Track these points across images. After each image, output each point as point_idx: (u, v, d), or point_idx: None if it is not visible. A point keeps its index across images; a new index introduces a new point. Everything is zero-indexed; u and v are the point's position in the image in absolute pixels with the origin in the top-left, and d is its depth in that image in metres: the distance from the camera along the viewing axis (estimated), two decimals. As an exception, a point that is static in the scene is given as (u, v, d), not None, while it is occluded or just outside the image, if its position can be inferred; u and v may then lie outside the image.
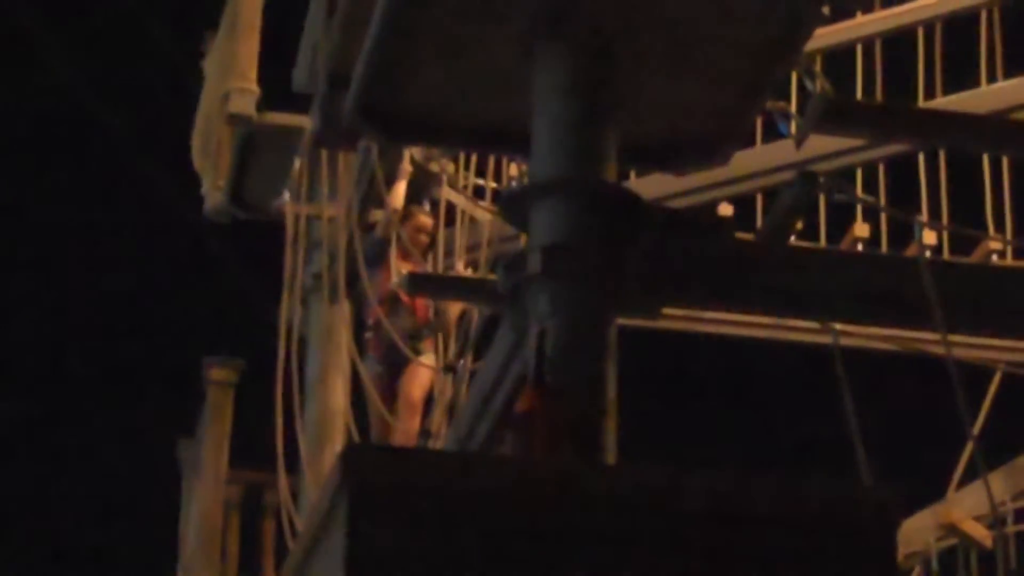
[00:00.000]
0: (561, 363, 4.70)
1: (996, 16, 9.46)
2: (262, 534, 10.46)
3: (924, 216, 9.17)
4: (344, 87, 5.28)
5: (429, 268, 9.58)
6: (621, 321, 5.04)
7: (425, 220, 9.66)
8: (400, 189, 9.50)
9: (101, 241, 19.10)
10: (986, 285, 5.85)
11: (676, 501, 4.04)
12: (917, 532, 9.85)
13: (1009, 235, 9.21)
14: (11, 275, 19.21)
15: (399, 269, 9.32)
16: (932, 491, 10.00)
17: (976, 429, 9.01)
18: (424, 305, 9.38)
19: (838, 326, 5.78)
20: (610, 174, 4.98)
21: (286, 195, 10.14)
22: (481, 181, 9.88)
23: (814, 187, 5.44)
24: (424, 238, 9.66)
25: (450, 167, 9.73)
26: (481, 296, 6.19)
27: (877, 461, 5.33)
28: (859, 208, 9.13)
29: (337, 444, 9.14)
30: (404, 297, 9.24)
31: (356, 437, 9.22)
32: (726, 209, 9.08)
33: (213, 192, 10.59)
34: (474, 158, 9.80)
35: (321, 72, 5.48)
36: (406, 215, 9.55)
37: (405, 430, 9.18)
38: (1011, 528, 9.92)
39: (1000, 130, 7.82)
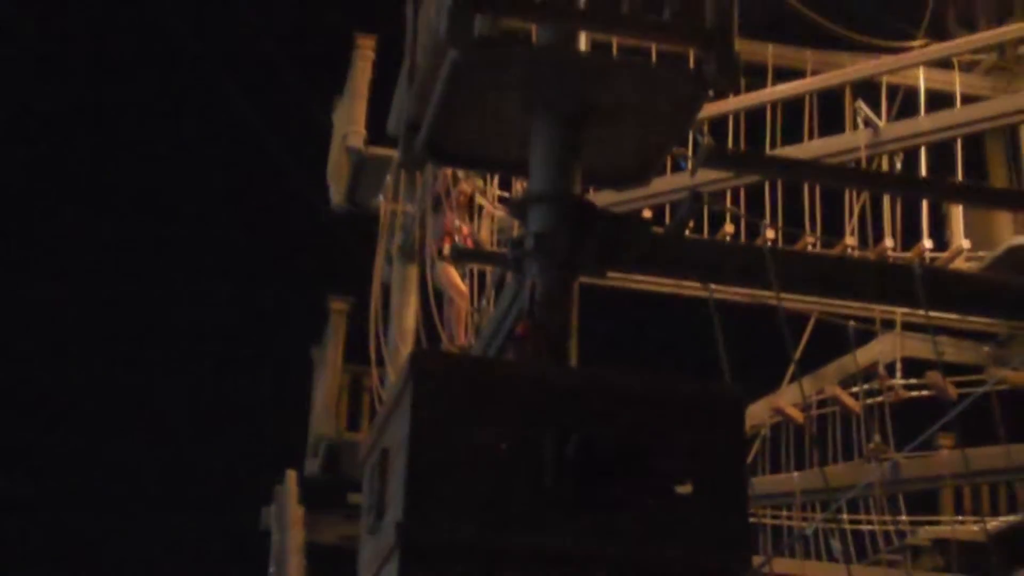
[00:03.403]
0: (544, 305, 4.70)
1: (815, 98, 9.43)
2: (362, 404, 10.49)
3: (768, 220, 9.15)
4: (417, 132, 5.26)
5: (464, 219, 9.33)
6: (582, 280, 5.04)
7: (465, 187, 9.40)
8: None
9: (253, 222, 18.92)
10: (803, 261, 5.87)
11: (610, 389, 4.04)
12: (758, 412, 9.87)
13: (818, 234, 9.20)
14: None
15: (452, 219, 9.14)
16: (769, 388, 10.02)
17: (797, 353, 9.01)
18: (470, 240, 9.18)
19: (713, 286, 5.75)
20: (577, 189, 4.95)
21: (381, 198, 10.13)
22: (500, 192, 9.83)
23: (700, 201, 5.43)
24: (463, 198, 9.41)
25: (480, 182, 9.68)
26: (497, 262, 6.18)
27: (738, 372, 5.25)
28: (727, 215, 9.12)
29: (407, 349, 9.14)
30: (457, 236, 9.05)
31: (424, 344, 9.19)
32: (647, 213, 9.05)
33: (336, 195, 10.60)
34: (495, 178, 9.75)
35: (403, 123, 5.46)
36: (456, 182, 9.33)
37: (459, 307, 8.93)
38: (814, 412, 9.96)
39: (816, 169, 7.84)
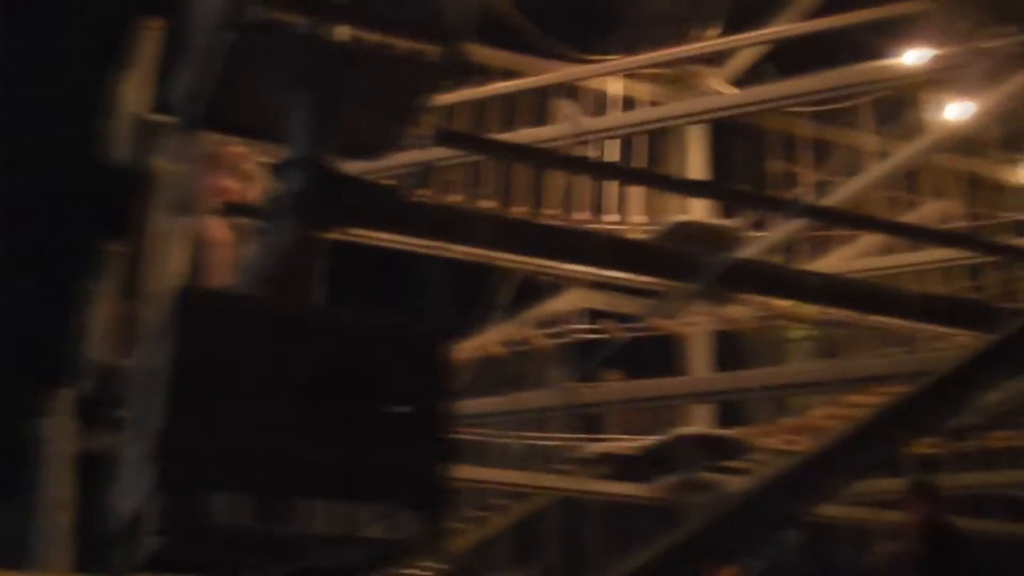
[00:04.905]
0: (295, 254, 4.65)
1: (530, 95, 9.56)
2: (133, 334, 9.98)
3: (487, 192, 9.23)
4: (194, 102, 5.08)
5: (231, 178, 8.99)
6: (328, 236, 4.99)
7: (236, 148, 8.98)
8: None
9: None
10: (512, 227, 5.96)
11: (347, 326, 4.04)
12: (468, 349, 10.00)
13: (527, 205, 9.35)
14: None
15: (221, 177, 8.74)
16: (479, 328, 10.14)
17: (504, 301, 9.16)
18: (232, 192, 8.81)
19: (438, 244, 5.73)
20: (328, 158, 4.91)
21: (158, 158, 9.62)
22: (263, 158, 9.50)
23: (431, 173, 5.46)
24: (226, 160, 8.99)
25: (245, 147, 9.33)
26: (259, 216, 6.04)
27: (455, 314, 5.24)
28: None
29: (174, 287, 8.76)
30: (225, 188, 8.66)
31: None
32: (389, 182, 8.96)
33: (120, 155, 9.98)
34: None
35: (182, 94, 5.25)
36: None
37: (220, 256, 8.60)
38: (516, 349, 10.21)
39: (527, 153, 8.01)
